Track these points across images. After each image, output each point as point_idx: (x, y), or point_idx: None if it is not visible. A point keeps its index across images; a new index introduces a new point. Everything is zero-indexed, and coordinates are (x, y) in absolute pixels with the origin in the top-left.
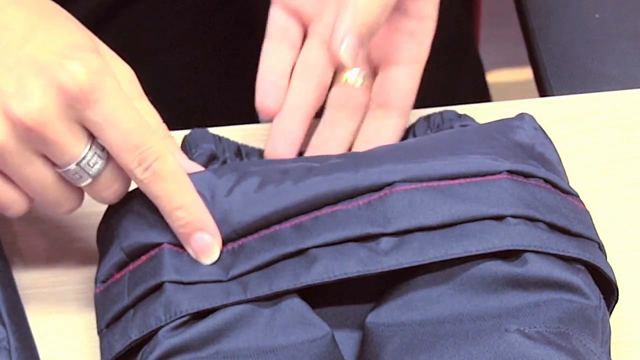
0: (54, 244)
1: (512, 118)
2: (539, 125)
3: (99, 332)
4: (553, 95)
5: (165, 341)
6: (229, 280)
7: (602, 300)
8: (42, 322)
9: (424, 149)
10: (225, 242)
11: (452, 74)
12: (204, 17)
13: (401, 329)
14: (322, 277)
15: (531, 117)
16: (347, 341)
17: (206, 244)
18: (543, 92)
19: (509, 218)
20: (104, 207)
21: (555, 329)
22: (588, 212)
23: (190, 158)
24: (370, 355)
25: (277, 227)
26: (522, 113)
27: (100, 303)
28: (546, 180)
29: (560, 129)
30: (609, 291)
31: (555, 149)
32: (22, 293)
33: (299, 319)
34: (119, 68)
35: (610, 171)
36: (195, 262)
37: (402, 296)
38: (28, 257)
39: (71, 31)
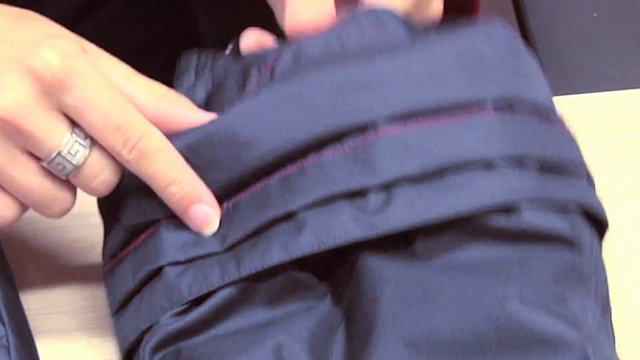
0: (54, 244)
1: (482, 27)
2: (512, 32)
3: (112, 315)
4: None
5: (164, 328)
6: (225, 251)
7: (595, 242)
8: (42, 322)
9: (403, 68)
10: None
11: None
12: (173, 19)
13: (394, 272)
14: (312, 248)
15: (503, 23)
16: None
17: (205, 215)
18: None
19: (498, 162)
20: None
21: (552, 292)
22: (570, 131)
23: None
24: (364, 306)
25: (265, 182)
26: (491, 21)
27: (109, 283)
28: (529, 105)
29: None
30: (599, 225)
31: (532, 56)
32: (22, 293)
33: (295, 287)
34: (105, 57)
35: (610, 171)
36: (190, 234)
37: (394, 237)
38: (28, 257)
39: (46, 26)
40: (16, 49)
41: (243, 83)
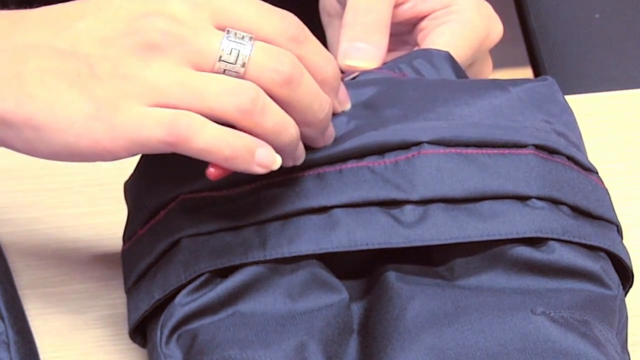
0: (54, 244)
1: (541, 83)
2: (558, 89)
3: (126, 291)
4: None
5: (182, 308)
6: (246, 226)
7: (620, 287)
8: (42, 322)
9: (454, 98)
10: (241, 183)
11: None
12: None
13: (422, 290)
14: (344, 246)
15: (551, 81)
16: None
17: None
18: None
19: (534, 200)
20: (104, 207)
21: (578, 316)
22: (607, 190)
23: None
24: (388, 315)
25: (299, 173)
26: (547, 78)
27: (126, 261)
28: (569, 158)
29: None
30: (624, 275)
31: (575, 121)
32: (22, 293)
33: (318, 283)
34: None
35: (610, 171)
36: (211, 207)
37: (424, 257)
38: (28, 257)
39: None
40: None
41: None
